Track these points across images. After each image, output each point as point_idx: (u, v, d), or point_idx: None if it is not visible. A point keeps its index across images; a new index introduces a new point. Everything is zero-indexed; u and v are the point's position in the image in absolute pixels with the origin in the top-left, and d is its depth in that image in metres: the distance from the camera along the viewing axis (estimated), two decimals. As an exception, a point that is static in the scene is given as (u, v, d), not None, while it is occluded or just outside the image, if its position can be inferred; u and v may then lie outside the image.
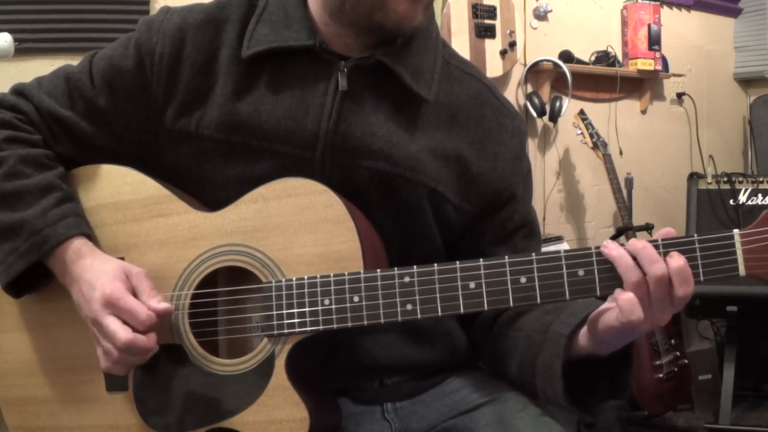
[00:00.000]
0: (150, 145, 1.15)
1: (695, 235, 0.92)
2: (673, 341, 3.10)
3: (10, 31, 1.76)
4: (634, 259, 0.92)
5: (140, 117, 1.13)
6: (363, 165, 1.09)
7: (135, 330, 0.99)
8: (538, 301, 0.95)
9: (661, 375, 3.02)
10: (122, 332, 0.98)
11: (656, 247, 0.92)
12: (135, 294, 1.02)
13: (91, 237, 1.09)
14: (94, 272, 1.03)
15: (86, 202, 1.12)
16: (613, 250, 0.93)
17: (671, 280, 0.91)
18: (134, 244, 1.09)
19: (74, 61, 1.20)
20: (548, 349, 1.03)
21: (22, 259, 1.05)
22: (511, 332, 1.13)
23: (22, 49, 2.16)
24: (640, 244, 0.92)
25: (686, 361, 3.15)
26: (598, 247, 0.95)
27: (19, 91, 1.17)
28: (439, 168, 1.12)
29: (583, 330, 1.00)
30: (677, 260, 0.91)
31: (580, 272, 0.94)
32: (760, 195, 3.08)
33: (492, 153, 1.16)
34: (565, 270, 0.95)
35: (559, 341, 1.01)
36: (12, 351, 1.15)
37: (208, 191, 1.11)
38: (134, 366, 1.03)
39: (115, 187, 1.12)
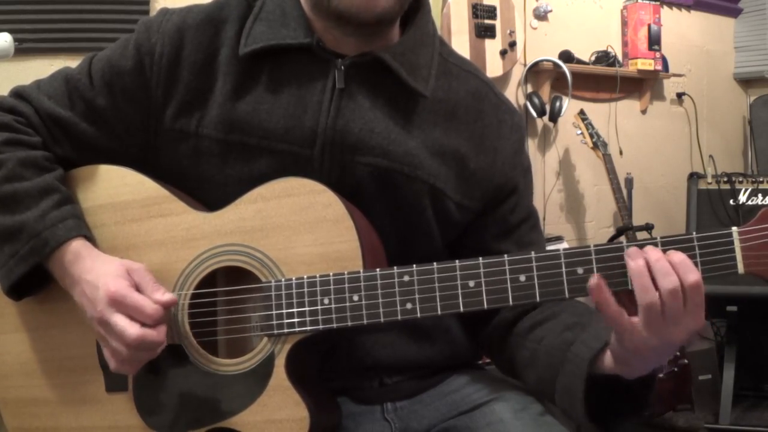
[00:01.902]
0: (149, 146, 1.14)
1: (694, 233, 0.92)
2: (673, 341, 3.09)
3: (10, 31, 1.75)
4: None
5: (140, 117, 1.13)
6: (361, 161, 1.09)
7: (143, 325, 0.99)
8: (538, 299, 0.95)
9: (660, 375, 3.02)
10: (131, 329, 0.98)
11: (654, 245, 0.92)
12: (138, 290, 1.02)
13: (91, 239, 1.09)
14: (96, 273, 1.03)
15: (85, 202, 1.12)
16: (632, 260, 0.91)
17: (683, 286, 0.89)
18: (133, 244, 1.09)
19: (74, 61, 1.20)
20: (569, 372, 1.01)
21: (23, 262, 1.05)
22: (528, 343, 1.12)
23: (22, 49, 2.17)
24: (654, 255, 0.90)
25: (686, 361, 3.14)
26: (596, 245, 0.95)
27: (18, 93, 1.17)
28: (438, 165, 1.13)
29: (608, 354, 0.98)
30: (677, 254, 0.90)
31: (579, 270, 0.94)
32: (760, 195, 3.08)
33: (492, 148, 1.17)
34: (564, 268, 0.94)
35: (581, 365, 0.99)
36: (11, 352, 1.15)
37: (208, 191, 1.11)
38: (144, 362, 1.03)
39: (114, 188, 1.12)
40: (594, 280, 0.91)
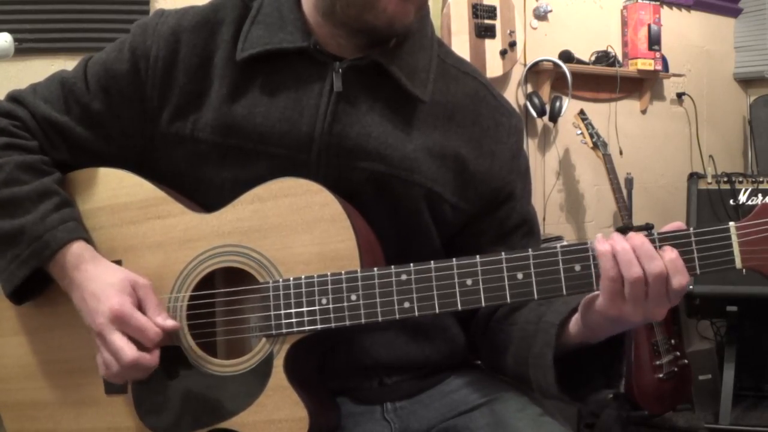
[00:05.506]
0: (146, 149, 1.14)
1: (691, 228, 0.92)
2: (673, 341, 3.10)
3: (10, 31, 1.75)
4: (634, 252, 0.92)
5: (135, 121, 1.13)
6: (358, 166, 1.09)
7: (140, 347, 0.99)
8: (535, 296, 0.96)
9: (661, 375, 3.02)
10: (128, 351, 0.99)
11: (652, 240, 0.92)
12: (140, 307, 1.02)
13: (89, 241, 1.09)
14: (99, 283, 1.03)
15: (83, 205, 1.12)
16: (600, 245, 0.93)
17: (668, 275, 0.90)
18: (131, 246, 1.09)
19: (74, 61, 1.20)
20: (540, 340, 1.03)
21: (24, 265, 1.05)
22: (506, 327, 1.13)
23: (22, 49, 2.16)
24: (638, 240, 0.92)
25: (686, 361, 3.15)
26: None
27: (14, 97, 1.17)
28: (436, 168, 1.12)
29: (575, 317, 1.01)
30: (669, 253, 0.91)
31: (577, 267, 0.94)
32: (760, 195, 3.08)
33: (490, 152, 1.16)
34: (561, 265, 0.95)
35: (550, 330, 1.02)
36: (11, 355, 1.15)
37: (204, 193, 1.11)
38: (133, 380, 1.03)
39: (112, 190, 1.12)
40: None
